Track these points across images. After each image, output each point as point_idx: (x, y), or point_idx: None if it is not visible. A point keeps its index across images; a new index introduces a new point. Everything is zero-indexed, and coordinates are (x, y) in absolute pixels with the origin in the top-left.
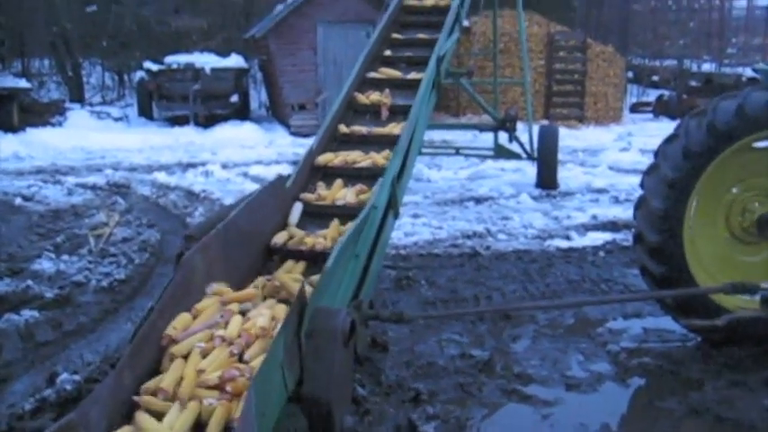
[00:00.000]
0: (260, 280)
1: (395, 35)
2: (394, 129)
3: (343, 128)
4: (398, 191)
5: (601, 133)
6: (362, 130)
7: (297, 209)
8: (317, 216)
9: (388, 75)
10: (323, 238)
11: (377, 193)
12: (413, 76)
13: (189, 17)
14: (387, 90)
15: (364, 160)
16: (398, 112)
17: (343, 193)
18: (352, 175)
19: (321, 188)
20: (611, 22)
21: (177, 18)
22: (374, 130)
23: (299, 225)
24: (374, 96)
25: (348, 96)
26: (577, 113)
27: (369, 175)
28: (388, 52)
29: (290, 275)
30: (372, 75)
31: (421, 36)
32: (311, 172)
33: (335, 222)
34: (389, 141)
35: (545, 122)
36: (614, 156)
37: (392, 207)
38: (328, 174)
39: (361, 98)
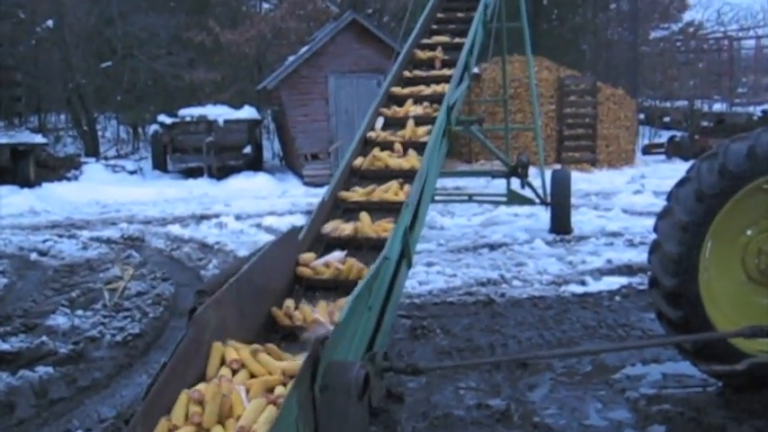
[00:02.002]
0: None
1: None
2: (411, 160)
3: (372, 134)
4: (411, 241)
5: (614, 176)
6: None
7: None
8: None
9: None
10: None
11: (389, 243)
12: (422, 132)
13: (202, 70)
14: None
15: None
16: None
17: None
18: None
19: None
20: (621, 64)
21: (191, 71)
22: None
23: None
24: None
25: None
26: (590, 157)
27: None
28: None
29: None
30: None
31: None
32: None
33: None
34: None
35: (557, 167)
36: (628, 198)
37: (405, 257)
38: (349, 209)
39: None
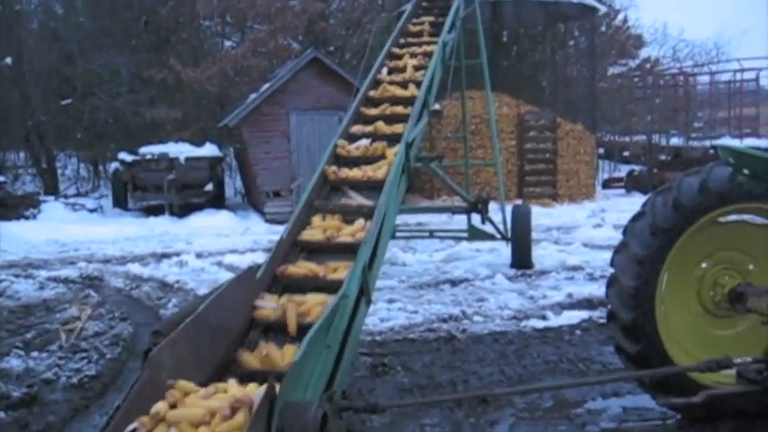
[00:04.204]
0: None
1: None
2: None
3: (330, 173)
4: (370, 278)
5: (574, 210)
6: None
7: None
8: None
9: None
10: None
11: (347, 281)
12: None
13: (164, 108)
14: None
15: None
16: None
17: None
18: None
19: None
20: (579, 100)
21: (152, 109)
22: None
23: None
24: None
25: (322, 173)
26: (550, 192)
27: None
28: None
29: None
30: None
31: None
32: (290, 249)
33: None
34: (364, 213)
35: (518, 202)
36: (588, 232)
37: (364, 295)
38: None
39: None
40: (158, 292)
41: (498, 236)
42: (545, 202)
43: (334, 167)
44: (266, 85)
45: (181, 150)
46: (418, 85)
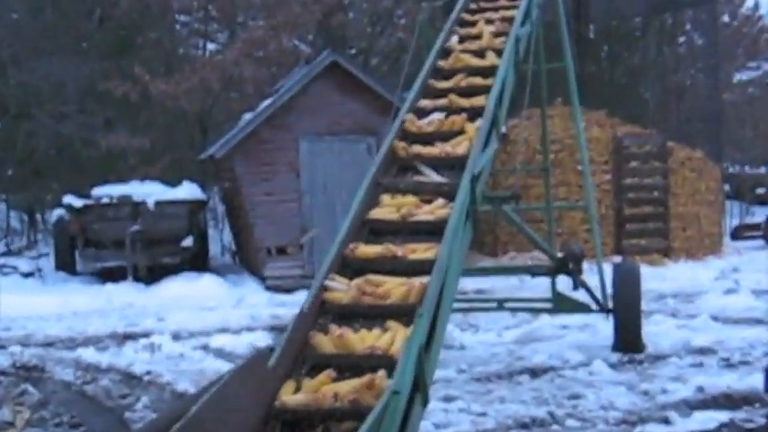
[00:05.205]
0: None
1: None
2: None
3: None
4: (427, 367)
5: (695, 270)
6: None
7: None
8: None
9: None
10: None
11: (399, 370)
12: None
13: (125, 134)
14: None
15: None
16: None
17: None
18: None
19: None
20: (697, 117)
21: (109, 135)
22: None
23: None
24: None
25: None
26: (661, 245)
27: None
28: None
29: None
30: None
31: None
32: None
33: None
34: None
35: (617, 259)
36: (717, 301)
37: (419, 391)
38: (378, 229)
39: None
40: (122, 387)
41: (595, 307)
42: (654, 260)
43: (403, 143)
44: (266, 102)
45: (149, 192)
46: (499, 53)
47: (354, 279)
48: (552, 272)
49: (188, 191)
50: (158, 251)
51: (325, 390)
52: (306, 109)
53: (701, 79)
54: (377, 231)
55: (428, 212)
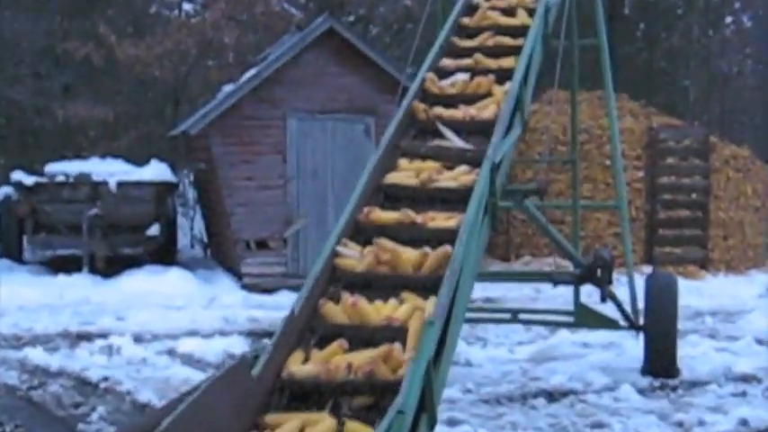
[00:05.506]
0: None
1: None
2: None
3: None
4: (436, 384)
5: (737, 285)
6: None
7: None
8: None
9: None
10: None
11: (405, 387)
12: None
13: (86, 103)
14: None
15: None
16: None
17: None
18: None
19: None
20: (745, 109)
21: (67, 105)
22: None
23: None
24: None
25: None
26: (698, 255)
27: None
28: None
29: None
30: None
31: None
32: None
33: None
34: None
35: (647, 269)
36: (763, 321)
37: (426, 410)
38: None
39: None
40: (74, 394)
41: (624, 323)
42: (689, 272)
43: (424, 105)
44: (250, 73)
45: (111, 171)
46: (531, 13)
47: (368, 247)
48: (577, 280)
49: (156, 171)
50: (119, 240)
51: (337, 360)
52: (296, 82)
53: (750, 66)
54: (393, 197)
55: (451, 179)
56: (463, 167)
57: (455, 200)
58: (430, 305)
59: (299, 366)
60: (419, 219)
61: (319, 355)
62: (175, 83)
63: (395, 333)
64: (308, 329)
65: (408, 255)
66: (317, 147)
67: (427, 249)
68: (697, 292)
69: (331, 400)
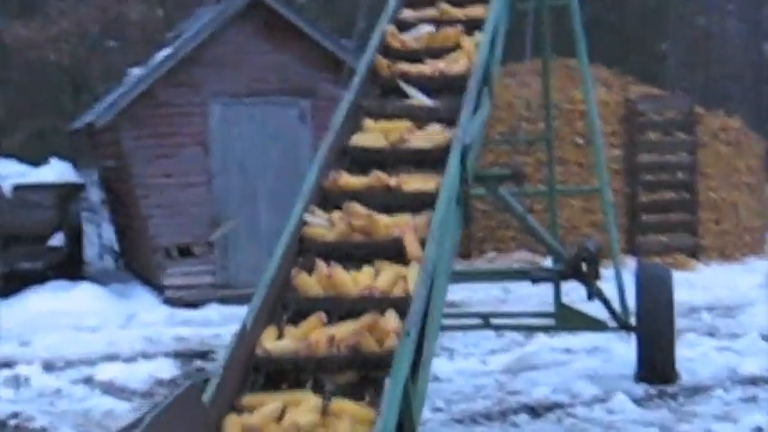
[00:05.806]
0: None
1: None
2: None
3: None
4: (415, 402)
5: (733, 275)
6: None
7: None
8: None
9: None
10: None
11: (383, 408)
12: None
13: None
14: None
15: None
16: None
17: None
18: None
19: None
20: (732, 74)
21: None
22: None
23: None
24: None
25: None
26: (687, 242)
27: None
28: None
29: None
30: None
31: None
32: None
33: None
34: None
35: (630, 261)
36: (766, 314)
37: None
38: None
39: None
40: None
41: (614, 323)
42: (679, 262)
43: (387, 61)
44: (163, 53)
45: (3, 173)
46: None
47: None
48: (560, 277)
49: (57, 172)
50: (17, 253)
51: (316, 335)
52: (217, 62)
53: (735, 26)
54: (360, 161)
55: (424, 138)
56: (435, 126)
57: (430, 161)
58: (413, 272)
59: (275, 343)
60: (393, 182)
61: (296, 331)
62: (73, 68)
63: (377, 304)
64: (279, 304)
65: (385, 221)
66: (244, 136)
67: (407, 216)
68: (688, 285)
69: (311, 378)
